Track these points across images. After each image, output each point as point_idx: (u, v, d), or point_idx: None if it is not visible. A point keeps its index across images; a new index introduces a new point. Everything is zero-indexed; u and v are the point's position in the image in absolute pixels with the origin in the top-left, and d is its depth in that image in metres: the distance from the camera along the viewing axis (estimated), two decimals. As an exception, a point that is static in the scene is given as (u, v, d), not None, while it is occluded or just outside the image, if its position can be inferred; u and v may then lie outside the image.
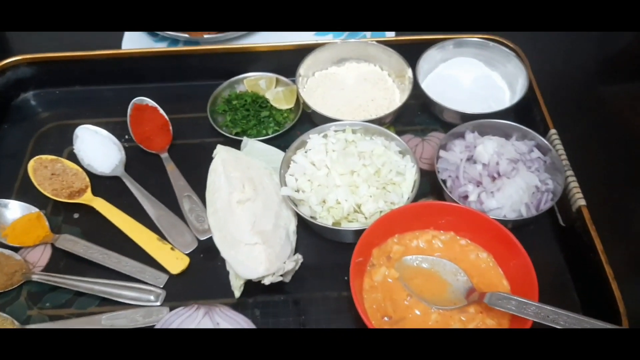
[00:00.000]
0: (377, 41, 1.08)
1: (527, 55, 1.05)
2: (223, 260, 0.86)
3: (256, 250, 0.80)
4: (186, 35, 1.16)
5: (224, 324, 0.74)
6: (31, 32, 1.12)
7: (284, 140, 0.99)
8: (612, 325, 0.65)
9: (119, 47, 1.20)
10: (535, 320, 0.68)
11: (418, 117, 1.06)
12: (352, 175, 0.86)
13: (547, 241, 0.89)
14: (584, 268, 0.82)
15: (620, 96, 1.11)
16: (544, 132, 0.94)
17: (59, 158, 0.99)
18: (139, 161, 1.01)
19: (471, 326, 0.74)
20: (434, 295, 0.77)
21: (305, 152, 0.91)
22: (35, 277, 0.85)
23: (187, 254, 0.89)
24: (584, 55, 1.20)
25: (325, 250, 0.88)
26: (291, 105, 1.06)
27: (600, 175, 0.93)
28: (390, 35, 1.19)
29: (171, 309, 0.79)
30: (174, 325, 0.73)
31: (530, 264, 0.73)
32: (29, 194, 0.95)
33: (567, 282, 0.84)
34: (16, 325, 0.80)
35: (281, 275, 0.80)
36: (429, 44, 1.06)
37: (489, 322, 0.74)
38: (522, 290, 0.74)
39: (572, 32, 1.00)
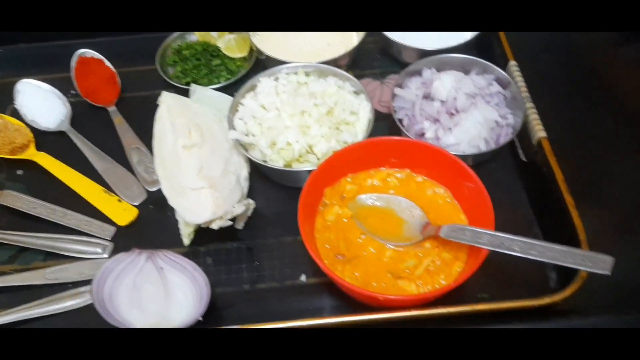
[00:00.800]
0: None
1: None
2: (173, 210, 0.82)
3: (202, 194, 0.76)
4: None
5: (168, 268, 0.70)
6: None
7: (237, 89, 0.95)
8: (566, 247, 0.62)
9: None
10: (489, 248, 0.65)
11: (377, 60, 1.03)
12: (302, 116, 0.82)
13: (509, 178, 0.86)
14: (545, 201, 0.79)
15: (584, 37, 1.07)
16: (504, 66, 0.90)
17: (1, 114, 0.94)
18: (86, 116, 0.97)
19: (427, 261, 0.71)
20: (389, 233, 0.74)
21: (255, 95, 0.87)
22: (-26, 235, 0.81)
23: (136, 206, 0.85)
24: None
25: (279, 197, 0.85)
26: (244, 53, 1.02)
27: (561, 110, 0.90)
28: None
29: (117, 260, 0.76)
30: (114, 272, 0.69)
31: (485, 194, 0.70)
32: (-32, 153, 0.91)
33: (529, 216, 0.81)
34: (-45, 283, 0.76)
35: (231, 220, 0.77)
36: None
37: (445, 256, 0.71)
38: (479, 222, 0.71)
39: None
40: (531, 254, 0.63)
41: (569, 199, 0.74)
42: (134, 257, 0.71)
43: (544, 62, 0.98)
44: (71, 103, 0.97)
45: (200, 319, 0.69)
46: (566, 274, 0.72)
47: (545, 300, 0.66)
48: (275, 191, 0.86)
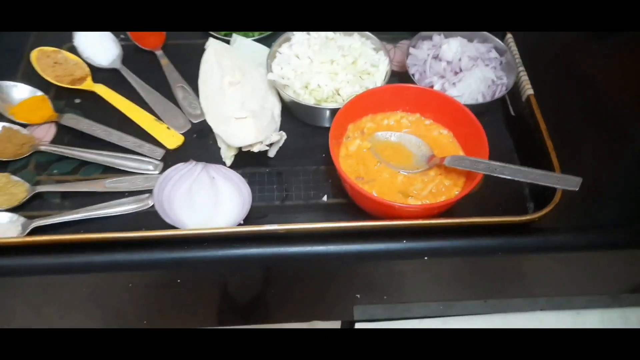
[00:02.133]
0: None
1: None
2: (214, 139, 0.96)
3: (246, 123, 0.90)
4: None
5: (219, 178, 0.84)
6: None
7: (268, 44, 1.09)
8: (545, 171, 0.78)
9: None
10: (485, 173, 0.80)
11: (391, 27, 1.17)
12: (332, 64, 0.96)
13: (499, 130, 1.01)
14: (529, 147, 0.95)
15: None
16: (502, 37, 1.06)
17: (60, 50, 1.06)
18: (135, 57, 1.10)
19: (431, 185, 0.86)
20: (401, 162, 0.89)
21: (290, 46, 1.01)
22: (43, 148, 0.93)
23: (181, 134, 0.99)
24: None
25: (305, 133, 0.99)
26: (276, 12, 1.15)
27: (548, 76, 1.06)
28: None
29: (169, 174, 0.89)
30: (174, 179, 0.83)
31: (482, 132, 0.85)
32: (32, 81, 1.03)
33: (515, 159, 0.97)
34: (27, 187, 0.89)
35: (268, 146, 0.91)
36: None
37: (446, 182, 0.86)
38: (476, 156, 0.86)
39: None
40: (518, 176, 0.78)
41: (549, 143, 0.90)
42: (191, 166, 0.84)
43: (537, 35, 1.13)
44: (122, 46, 1.10)
45: (241, 222, 0.84)
46: (540, 202, 0.88)
47: (527, 217, 0.82)
48: (302, 128, 1.00)
